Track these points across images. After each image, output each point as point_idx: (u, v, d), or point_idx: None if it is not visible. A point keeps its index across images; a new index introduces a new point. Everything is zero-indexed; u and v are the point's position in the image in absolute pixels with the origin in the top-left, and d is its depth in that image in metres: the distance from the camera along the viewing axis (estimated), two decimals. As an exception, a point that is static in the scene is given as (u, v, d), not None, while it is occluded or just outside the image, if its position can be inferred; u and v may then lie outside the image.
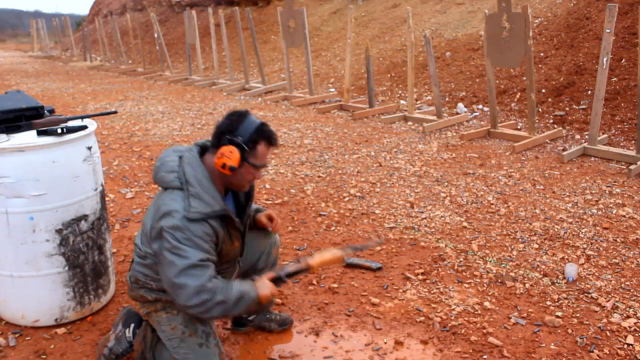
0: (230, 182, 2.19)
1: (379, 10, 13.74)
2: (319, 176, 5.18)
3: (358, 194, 4.70)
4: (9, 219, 2.58)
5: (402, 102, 8.67)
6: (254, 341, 2.69)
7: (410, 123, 7.39)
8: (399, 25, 12.29)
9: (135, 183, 5.08)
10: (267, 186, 4.92)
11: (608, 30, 5.58)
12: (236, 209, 2.37)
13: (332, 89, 10.03)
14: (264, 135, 2.11)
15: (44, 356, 2.55)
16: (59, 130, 2.61)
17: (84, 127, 2.73)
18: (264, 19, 16.41)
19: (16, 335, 2.70)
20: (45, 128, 2.66)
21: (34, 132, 2.67)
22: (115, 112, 3.19)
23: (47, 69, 17.12)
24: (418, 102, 8.54)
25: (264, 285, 2.21)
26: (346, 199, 4.59)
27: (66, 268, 2.72)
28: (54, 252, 2.67)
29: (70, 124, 2.80)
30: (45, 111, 2.87)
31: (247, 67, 10.95)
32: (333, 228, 4.01)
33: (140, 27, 17.11)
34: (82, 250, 2.75)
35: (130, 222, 4.14)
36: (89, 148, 2.75)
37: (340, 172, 5.31)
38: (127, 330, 2.45)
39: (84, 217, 2.73)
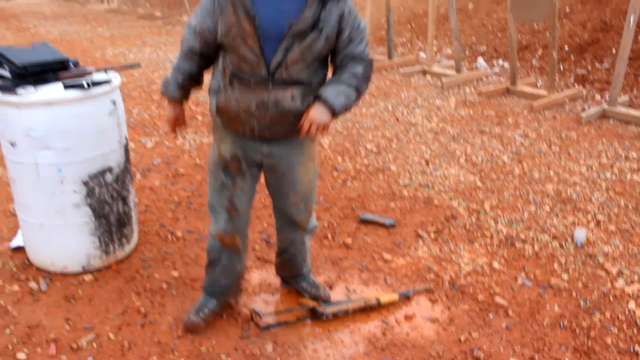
0: None
1: (402, -43, 13.39)
2: (336, 129, 5.23)
3: (374, 149, 4.76)
4: (38, 170, 2.69)
5: (421, 54, 8.58)
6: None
7: (429, 77, 7.35)
8: (422, -27, 12.01)
9: (155, 132, 5.17)
10: (285, 139, 4.99)
11: (636, -11, 5.45)
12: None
13: (351, 39, 9.92)
14: None
15: (73, 301, 2.70)
16: (85, 85, 2.68)
17: (109, 81, 2.80)
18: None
19: (46, 280, 2.86)
20: (71, 82, 2.73)
21: (60, 84, 2.74)
22: (138, 66, 3.25)
23: (64, 12, 17.02)
24: (438, 54, 8.46)
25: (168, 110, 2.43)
26: (362, 153, 4.66)
27: (92, 218, 2.85)
28: (81, 202, 2.79)
29: (95, 76, 2.87)
30: (71, 64, 2.94)
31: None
32: (349, 183, 4.09)
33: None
34: (107, 201, 2.87)
35: (151, 172, 4.25)
36: (114, 102, 2.82)
37: (357, 125, 5.35)
38: None
39: (109, 169, 2.84)
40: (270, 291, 2.83)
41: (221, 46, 2.16)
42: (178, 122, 2.47)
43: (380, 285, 2.90)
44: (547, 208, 3.76)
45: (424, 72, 7.52)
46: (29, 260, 3.04)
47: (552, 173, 4.32)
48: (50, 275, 2.91)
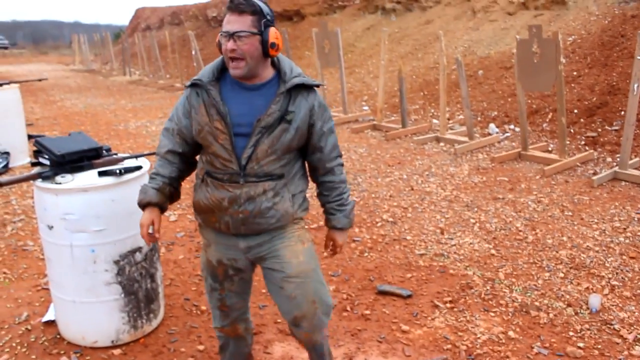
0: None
1: (412, 26, 13.92)
2: (352, 200, 5.38)
3: (390, 219, 4.90)
4: (73, 252, 2.86)
5: (434, 121, 8.83)
6: (292, 366, 2.92)
7: (442, 144, 7.55)
8: (432, 42, 12.44)
9: (178, 206, 5.37)
10: (303, 210, 5.14)
11: (639, 57, 5.67)
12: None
13: (366, 107, 10.24)
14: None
15: (104, 377, 2.82)
16: (118, 171, 2.88)
17: (140, 167, 3.01)
18: (299, 34, 16.73)
19: (77, 355, 2.98)
20: (105, 168, 2.94)
21: (94, 171, 2.95)
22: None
23: (88, 84, 17.75)
24: (450, 121, 8.68)
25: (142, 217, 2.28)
26: (379, 224, 4.79)
27: (122, 295, 3.00)
28: (112, 280, 2.95)
29: (126, 163, 3.08)
30: (104, 150, 3.17)
31: (282, 84, 11.23)
32: (366, 254, 4.21)
33: (177, 42, 17.61)
34: (136, 279, 3.02)
35: (175, 246, 4.42)
36: (144, 186, 3.02)
37: (373, 195, 5.52)
38: None
39: (139, 249, 3.00)
40: (292, 364, 2.93)
41: (198, 147, 2.26)
42: (153, 229, 2.26)
43: (399, 356, 2.98)
44: (561, 274, 3.84)
45: (437, 140, 7.73)
46: (60, 335, 3.18)
47: (565, 239, 4.41)
48: (81, 350, 3.03)
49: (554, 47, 6.14)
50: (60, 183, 2.82)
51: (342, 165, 2.34)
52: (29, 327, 3.32)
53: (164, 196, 2.28)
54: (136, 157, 3.19)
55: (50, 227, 2.88)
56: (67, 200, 2.80)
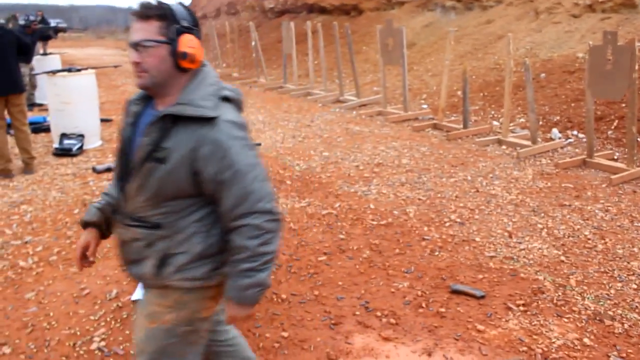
0: None
1: (472, 25, 13.82)
2: (419, 199, 5.49)
3: (458, 219, 4.97)
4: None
5: (494, 122, 8.81)
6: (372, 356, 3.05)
7: (504, 147, 7.55)
8: (493, 42, 12.35)
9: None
10: (372, 206, 5.27)
11: None
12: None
13: (425, 105, 10.27)
14: None
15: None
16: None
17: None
18: (355, 29, 16.76)
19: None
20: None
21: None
22: (259, 144, 3.63)
23: (149, 69, 18.19)
24: (511, 124, 8.65)
25: None
26: (447, 224, 4.88)
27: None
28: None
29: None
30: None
31: (341, 78, 11.36)
32: (437, 253, 4.31)
33: (234, 31, 17.89)
34: (228, 264, 3.20)
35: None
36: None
37: (439, 195, 5.60)
38: None
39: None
40: (372, 355, 3.06)
41: None
42: (86, 253, 2.05)
43: (476, 354, 3.08)
44: (634, 286, 3.86)
45: (499, 142, 7.72)
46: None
47: (636, 250, 4.40)
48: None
49: (629, 55, 6.07)
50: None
51: (255, 227, 1.75)
52: (120, 304, 3.55)
53: (103, 215, 2.03)
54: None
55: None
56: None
